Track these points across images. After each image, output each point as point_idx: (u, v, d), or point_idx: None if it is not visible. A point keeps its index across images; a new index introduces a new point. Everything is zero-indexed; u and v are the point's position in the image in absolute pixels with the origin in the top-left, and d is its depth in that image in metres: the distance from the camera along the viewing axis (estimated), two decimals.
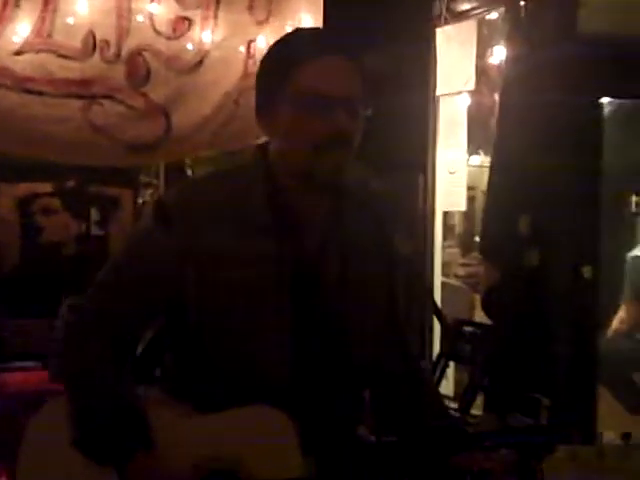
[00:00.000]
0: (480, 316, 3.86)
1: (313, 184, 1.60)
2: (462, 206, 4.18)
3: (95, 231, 3.85)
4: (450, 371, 3.94)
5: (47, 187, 3.81)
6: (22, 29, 3.46)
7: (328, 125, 1.55)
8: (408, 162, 3.42)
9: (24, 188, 3.78)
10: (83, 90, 3.56)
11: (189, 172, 4.24)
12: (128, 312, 1.63)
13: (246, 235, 1.60)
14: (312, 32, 1.77)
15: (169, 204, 1.64)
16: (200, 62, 3.72)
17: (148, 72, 3.64)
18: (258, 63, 1.70)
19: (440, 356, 3.71)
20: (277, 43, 1.68)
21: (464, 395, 3.56)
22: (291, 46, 1.63)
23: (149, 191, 4.27)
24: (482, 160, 4.60)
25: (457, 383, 4.09)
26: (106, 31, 3.56)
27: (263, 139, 1.70)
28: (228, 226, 1.60)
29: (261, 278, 1.59)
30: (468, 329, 3.66)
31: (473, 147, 4.40)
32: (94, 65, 3.56)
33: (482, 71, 4.05)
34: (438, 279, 4.32)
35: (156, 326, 1.73)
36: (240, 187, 1.63)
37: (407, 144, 3.28)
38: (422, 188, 4.10)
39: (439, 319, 3.62)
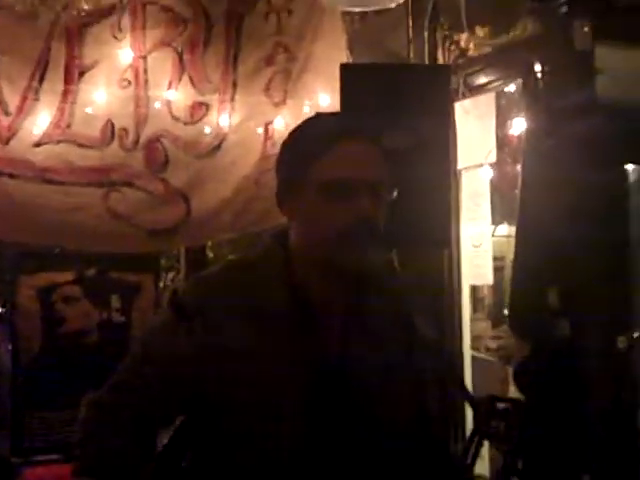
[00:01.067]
0: (514, 391, 3.75)
1: (336, 274, 1.56)
2: (489, 280, 4.12)
3: (116, 318, 3.83)
4: (485, 450, 3.81)
5: (67, 275, 3.81)
6: (41, 121, 3.53)
7: (352, 212, 1.51)
8: (432, 237, 3.36)
9: (44, 278, 3.79)
10: (103, 178, 3.60)
11: (210, 254, 4.22)
12: (146, 409, 1.60)
13: (265, 331, 1.55)
14: (331, 117, 1.72)
15: (186, 300, 1.60)
16: (218, 146, 3.75)
17: (167, 158, 3.68)
18: (277, 144, 1.68)
19: (473, 434, 3.59)
20: (297, 129, 1.65)
21: (499, 476, 3.43)
22: (311, 133, 1.60)
23: (171, 275, 4.26)
24: (509, 230, 4.54)
25: (493, 461, 3.96)
26: (124, 120, 3.62)
27: (284, 220, 1.66)
28: (246, 322, 1.56)
29: (279, 375, 1.54)
30: (501, 405, 3.55)
31: (499, 218, 4.36)
32: (113, 153, 3.61)
33: (503, 142, 4.03)
34: (468, 354, 4.22)
35: (180, 418, 1.68)
36: (258, 280, 1.59)
37: (430, 219, 3.23)
38: (448, 263, 4.04)
39: (468, 400, 3.53)
